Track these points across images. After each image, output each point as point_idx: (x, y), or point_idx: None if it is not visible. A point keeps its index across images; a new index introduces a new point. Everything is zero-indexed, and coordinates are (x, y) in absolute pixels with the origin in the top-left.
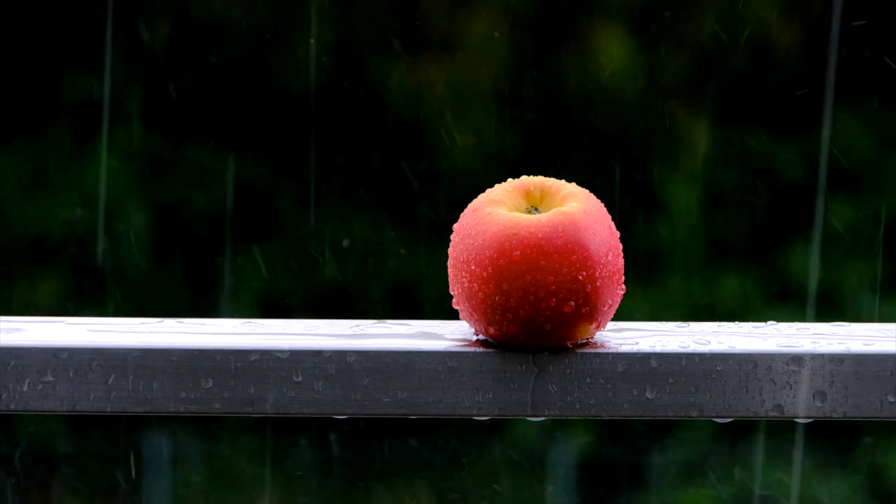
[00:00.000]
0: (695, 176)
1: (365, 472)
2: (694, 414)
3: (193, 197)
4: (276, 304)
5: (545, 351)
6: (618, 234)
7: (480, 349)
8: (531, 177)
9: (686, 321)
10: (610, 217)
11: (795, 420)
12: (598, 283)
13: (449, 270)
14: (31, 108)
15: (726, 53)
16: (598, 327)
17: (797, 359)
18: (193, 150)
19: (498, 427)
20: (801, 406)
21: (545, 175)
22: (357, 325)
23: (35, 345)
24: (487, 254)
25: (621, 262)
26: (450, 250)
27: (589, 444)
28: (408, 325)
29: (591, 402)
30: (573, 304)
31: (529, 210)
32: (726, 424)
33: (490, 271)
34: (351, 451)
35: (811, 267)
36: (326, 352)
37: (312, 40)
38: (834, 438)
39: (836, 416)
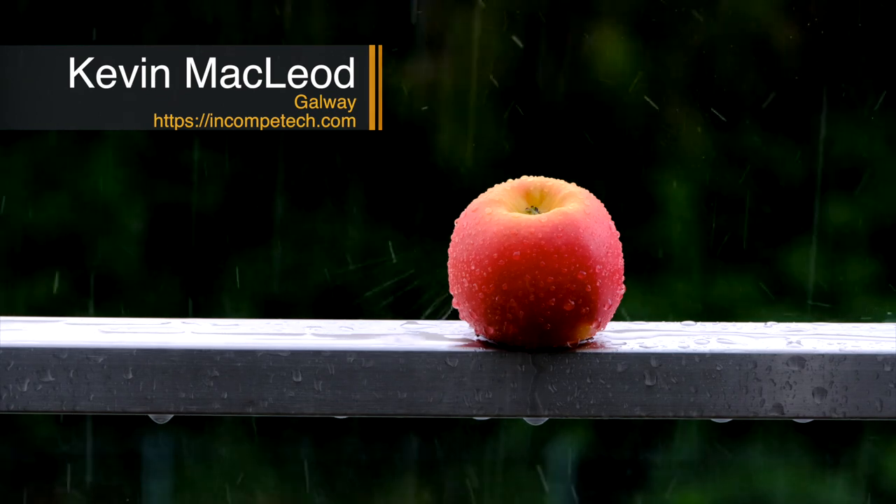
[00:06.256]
0: (694, 176)
1: (365, 472)
2: (694, 414)
3: (191, 197)
4: (275, 305)
5: (545, 351)
6: (617, 234)
7: (480, 349)
8: (531, 177)
9: (686, 321)
10: (610, 217)
11: (795, 420)
12: (597, 283)
13: (449, 270)
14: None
15: (725, 53)
16: (598, 327)
17: (797, 359)
18: (190, 150)
19: (498, 427)
20: (801, 406)
21: (545, 175)
22: (357, 325)
23: (35, 345)
24: (487, 254)
25: (621, 261)
26: (450, 250)
27: (589, 444)
28: (408, 325)
29: (591, 402)
30: (573, 303)
31: (529, 210)
32: (726, 424)
33: (490, 271)
34: (351, 451)
35: (811, 267)
36: (326, 352)
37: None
38: (834, 438)
39: (836, 416)
